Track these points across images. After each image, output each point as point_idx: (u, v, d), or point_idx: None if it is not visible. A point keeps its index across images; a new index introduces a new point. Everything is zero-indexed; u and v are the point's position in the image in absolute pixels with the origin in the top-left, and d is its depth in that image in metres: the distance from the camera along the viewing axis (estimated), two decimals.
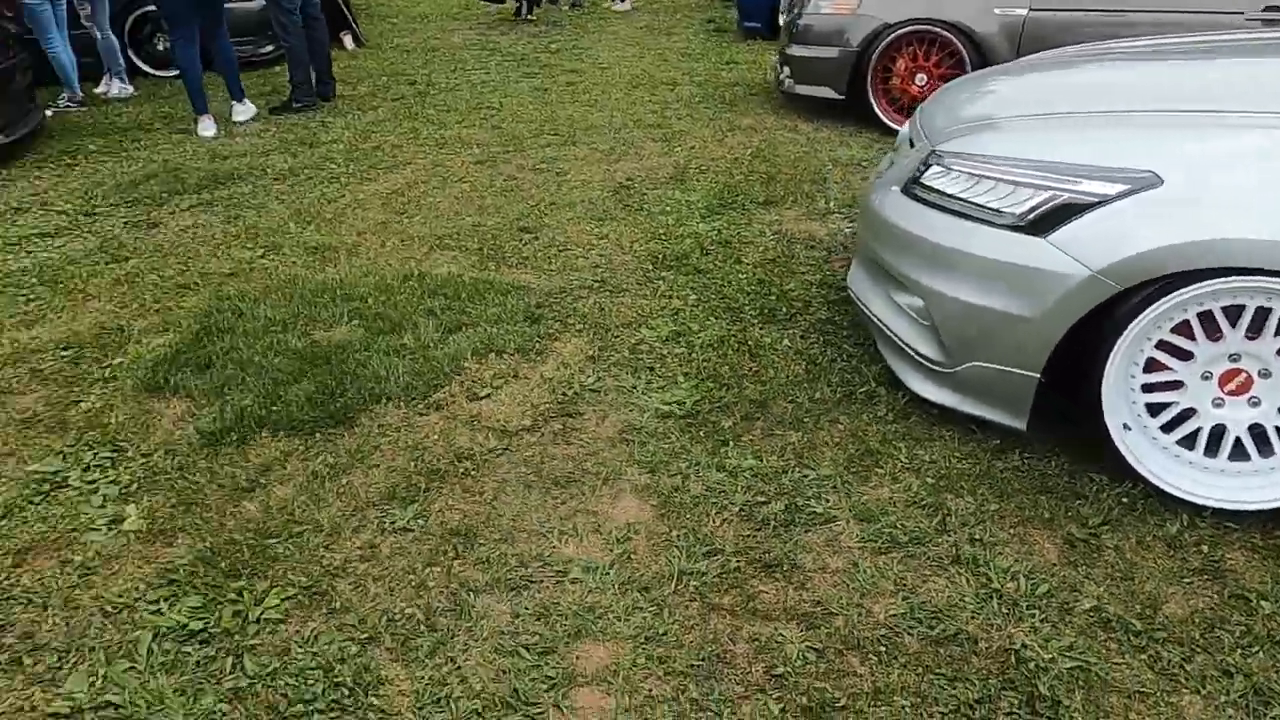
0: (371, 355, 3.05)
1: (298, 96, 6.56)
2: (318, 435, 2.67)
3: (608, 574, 2.14)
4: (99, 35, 7.22)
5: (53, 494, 2.47)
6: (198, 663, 1.93)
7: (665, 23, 10.20)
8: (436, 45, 9.16)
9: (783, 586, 2.11)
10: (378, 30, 10.12)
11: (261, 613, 2.04)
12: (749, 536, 2.25)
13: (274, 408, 2.77)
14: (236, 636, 1.99)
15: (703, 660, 1.91)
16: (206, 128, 5.99)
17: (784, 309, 3.38)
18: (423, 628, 2.00)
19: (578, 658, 1.92)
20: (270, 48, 8.32)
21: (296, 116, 6.35)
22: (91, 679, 1.89)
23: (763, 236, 4.05)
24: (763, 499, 2.38)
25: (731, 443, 2.61)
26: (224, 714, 1.81)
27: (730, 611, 2.04)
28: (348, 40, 9.22)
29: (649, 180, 4.82)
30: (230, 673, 1.90)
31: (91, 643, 1.98)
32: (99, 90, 7.30)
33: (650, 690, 1.85)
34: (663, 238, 4.05)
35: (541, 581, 2.13)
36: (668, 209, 4.39)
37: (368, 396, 2.83)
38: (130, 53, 7.72)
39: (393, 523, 2.32)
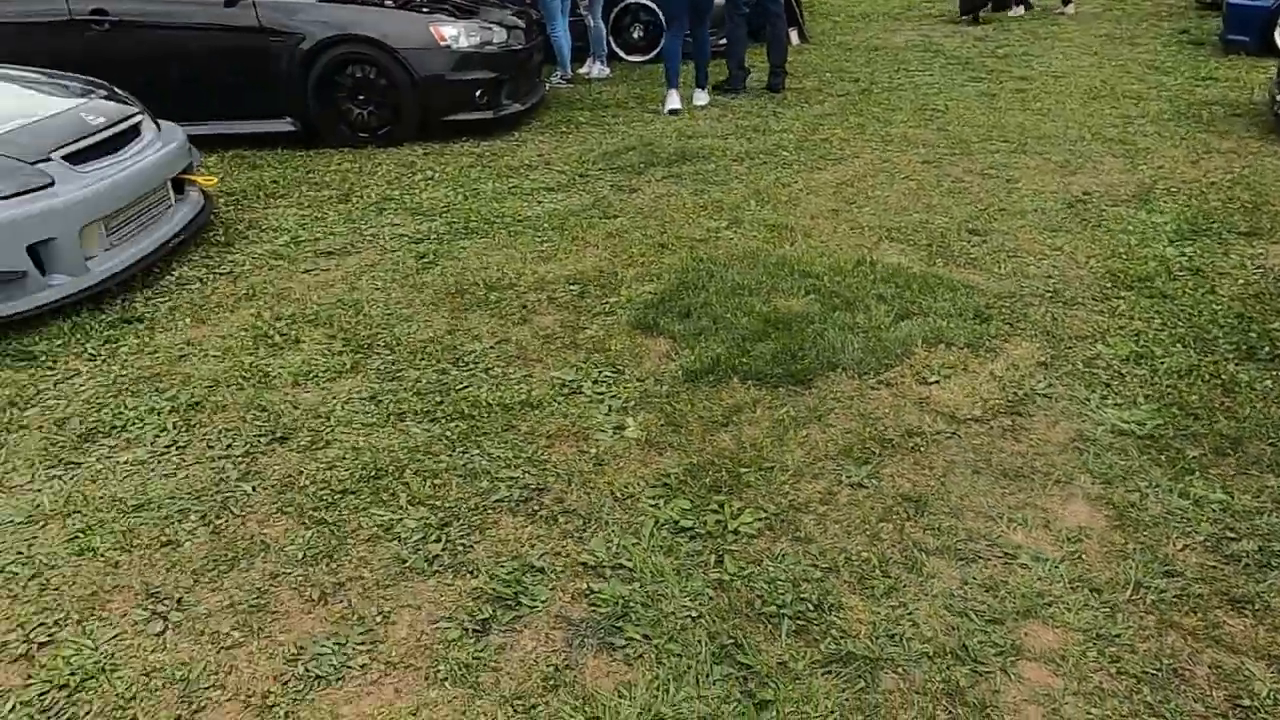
0: (827, 328, 3.33)
1: (732, 80, 7.26)
2: (780, 390, 3.00)
3: (1058, 567, 2.21)
4: (591, 23, 8.33)
5: (570, 397, 3.04)
6: (687, 553, 2.31)
7: (1128, 31, 9.45)
8: (878, 45, 9.31)
9: (1252, 625, 2.03)
10: (820, 28, 10.49)
11: (738, 525, 2.39)
12: (1215, 568, 2.19)
13: (743, 360, 3.15)
14: (717, 540, 2.35)
15: (1158, 670, 1.93)
16: (672, 102, 6.75)
17: (1266, 348, 3.12)
18: (877, 571, 2.22)
19: (1025, 634, 2.03)
20: (724, 39, 9.04)
21: (750, 104, 6.88)
22: (608, 544, 2.35)
23: (1243, 269, 3.74)
24: (1233, 535, 2.29)
25: (1198, 473, 2.51)
26: (710, 597, 2.17)
27: (1190, 634, 2.01)
28: (793, 36, 9.68)
29: (1108, 196, 4.62)
30: (714, 567, 2.26)
31: (606, 517, 2.46)
32: (582, 71, 8.42)
33: (1100, 683, 1.90)
34: (1123, 256, 3.89)
35: (989, 559, 2.25)
36: (1130, 228, 4.19)
37: (824, 364, 3.11)
38: (610, 39, 8.79)
39: (848, 477, 2.56)
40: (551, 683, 1.96)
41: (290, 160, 5.91)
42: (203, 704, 1.95)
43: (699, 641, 2.04)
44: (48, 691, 1.99)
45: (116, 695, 1.98)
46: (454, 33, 6.01)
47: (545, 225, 4.55)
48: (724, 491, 2.52)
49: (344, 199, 5.11)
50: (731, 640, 2.04)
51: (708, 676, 1.95)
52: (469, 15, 6.39)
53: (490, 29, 6.26)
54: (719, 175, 5.22)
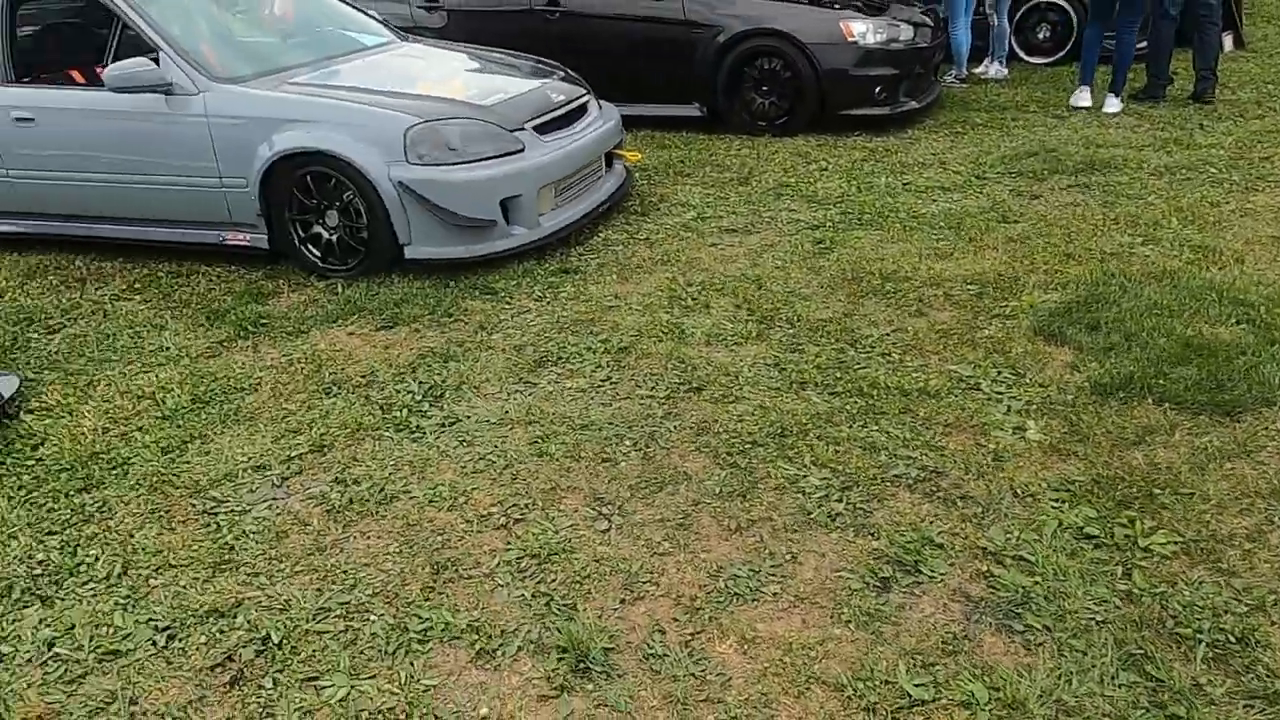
0: (1262, 361, 3.08)
1: (1151, 87, 6.75)
2: (1201, 418, 2.84)
3: None
4: (994, 21, 8.07)
5: (967, 392, 3.10)
6: (1092, 559, 2.31)
7: None
8: None
9: None
10: (1261, 33, 9.29)
11: (1149, 544, 2.34)
12: None
13: (1159, 381, 3.01)
14: (1125, 553, 2.32)
15: None
16: (1080, 98, 6.55)
17: None
18: None
19: None
20: (1144, 43, 8.33)
21: (1171, 115, 6.33)
22: (1007, 535, 2.41)
23: None
24: None
25: None
26: (1117, 606, 2.16)
27: None
28: (1227, 41, 8.67)
29: None
30: (1121, 578, 2.25)
31: (1005, 510, 2.52)
32: (978, 70, 8.19)
33: None
34: None
35: None
36: None
37: (1257, 398, 2.89)
38: (1012, 39, 8.46)
39: None
40: (950, 648, 2.09)
41: (693, 143, 6.42)
42: (641, 594, 2.32)
43: (1104, 644, 2.05)
44: (523, 557, 2.47)
45: (574, 571, 2.40)
46: (863, 29, 6.16)
47: (941, 223, 4.59)
48: (1134, 508, 2.47)
49: (743, 182, 5.48)
50: (1140, 651, 2.03)
51: (1113, 679, 1.97)
52: (879, 12, 6.50)
53: (898, 26, 6.33)
54: (1133, 188, 4.91)
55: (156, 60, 4.39)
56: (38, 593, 2.47)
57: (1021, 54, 8.57)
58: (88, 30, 5.67)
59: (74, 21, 5.62)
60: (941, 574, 2.30)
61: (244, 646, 2.23)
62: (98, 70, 5.37)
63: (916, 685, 1.99)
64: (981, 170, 5.41)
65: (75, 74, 5.25)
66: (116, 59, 5.46)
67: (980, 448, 2.79)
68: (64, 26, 5.55)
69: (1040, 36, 8.54)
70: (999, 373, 3.19)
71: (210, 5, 5.12)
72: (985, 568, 2.31)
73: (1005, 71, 8.12)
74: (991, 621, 2.15)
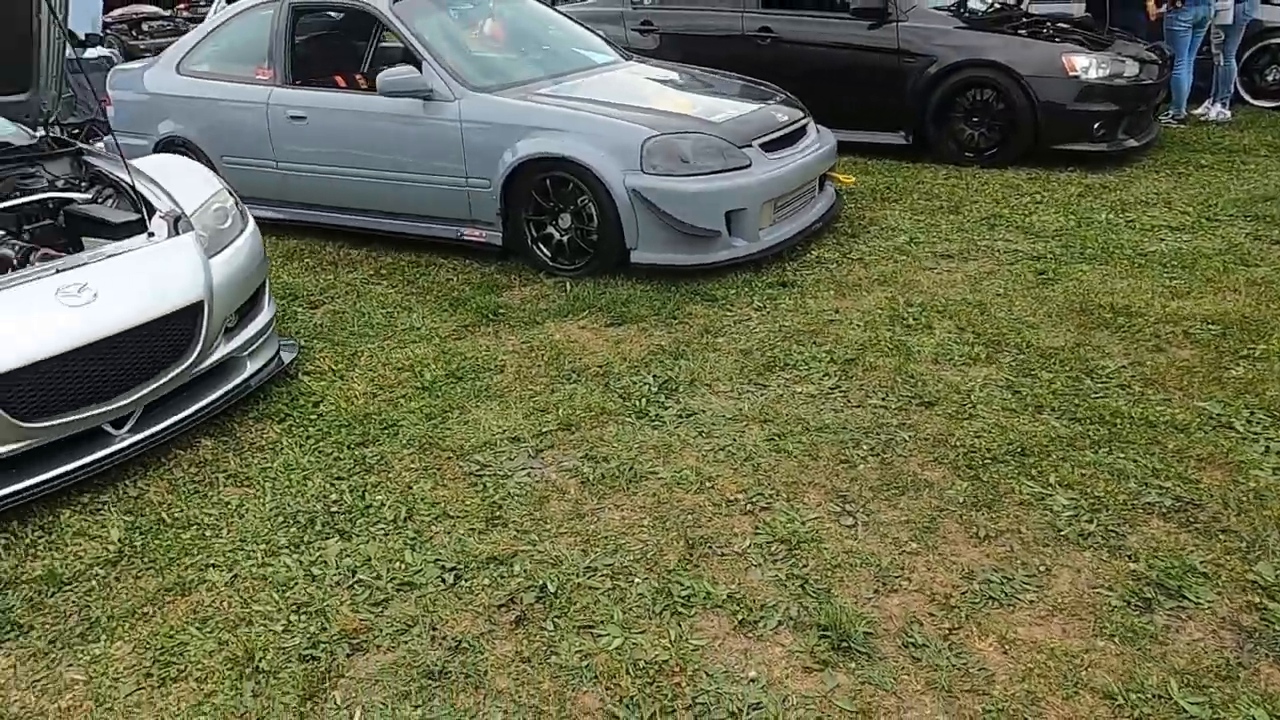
0: None
1: None
2: None
3: None
4: (1221, 62, 7.71)
5: (1218, 429, 3.02)
6: None
7: None
8: None
9: None
10: None
11: None
12: None
13: None
14: None
15: None
16: None
17: None
18: None
19: None
20: None
21: None
22: (1277, 572, 2.35)
23: None
24: None
25: None
26: None
27: None
28: None
29: None
30: None
31: (1272, 547, 2.45)
32: (1198, 111, 7.84)
33: None
34: None
35: None
36: None
37: None
38: (1237, 80, 8.05)
39: None
40: (1224, 673, 2.06)
41: (897, 170, 6.44)
42: (894, 588, 2.39)
43: None
44: (772, 542, 2.59)
45: (824, 560, 2.50)
46: (1085, 63, 6.04)
47: (1172, 262, 4.45)
48: None
49: (954, 210, 5.47)
50: None
51: None
52: (1102, 46, 6.35)
53: (1122, 62, 6.17)
54: None
55: (419, 69, 4.82)
56: (336, 527, 2.77)
57: (1246, 96, 8.16)
58: (348, 40, 6.26)
59: (336, 32, 6.22)
60: (1209, 602, 2.27)
61: (524, 592, 2.44)
62: (357, 76, 5.91)
63: (1192, 703, 1.98)
64: (1212, 212, 5.20)
65: (339, 78, 5.80)
66: (373, 66, 6.03)
67: (1238, 485, 2.72)
68: (328, 36, 6.15)
69: (1269, 79, 8.11)
70: (1252, 414, 3.09)
71: (455, 24, 5.57)
72: (1256, 600, 2.26)
73: (1228, 114, 7.74)
74: (1269, 653, 2.11)
